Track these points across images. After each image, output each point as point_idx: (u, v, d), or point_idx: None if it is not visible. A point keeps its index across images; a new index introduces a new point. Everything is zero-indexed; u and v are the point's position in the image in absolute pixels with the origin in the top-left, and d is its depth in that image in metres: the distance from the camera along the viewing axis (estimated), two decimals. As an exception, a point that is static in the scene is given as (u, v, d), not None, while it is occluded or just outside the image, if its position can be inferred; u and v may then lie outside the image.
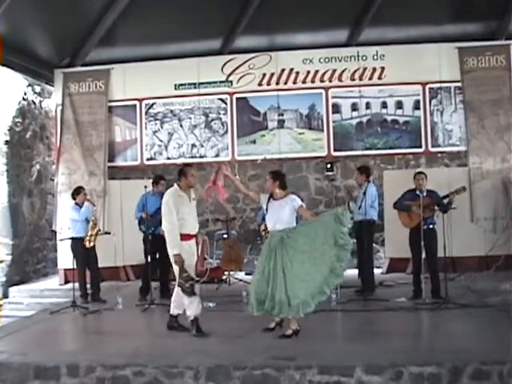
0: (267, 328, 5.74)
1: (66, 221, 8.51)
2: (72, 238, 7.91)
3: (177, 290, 5.94)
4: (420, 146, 9.88)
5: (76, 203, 8.02)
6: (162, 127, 10.41)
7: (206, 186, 6.24)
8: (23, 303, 8.93)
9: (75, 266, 7.69)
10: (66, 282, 9.41)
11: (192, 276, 5.73)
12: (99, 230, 8.14)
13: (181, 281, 5.72)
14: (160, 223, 6.17)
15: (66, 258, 8.96)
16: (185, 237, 5.85)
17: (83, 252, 7.82)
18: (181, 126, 10.38)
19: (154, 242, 7.46)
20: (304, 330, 5.72)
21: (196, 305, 5.85)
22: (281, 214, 5.69)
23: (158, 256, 7.69)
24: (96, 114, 10.24)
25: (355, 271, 7.91)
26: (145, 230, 7.76)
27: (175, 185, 6.02)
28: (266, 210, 5.80)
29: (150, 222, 7.58)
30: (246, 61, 10.15)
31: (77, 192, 8.09)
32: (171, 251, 5.80)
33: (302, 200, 5.96)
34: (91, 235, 7.80)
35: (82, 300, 7.77)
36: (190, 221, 5.91)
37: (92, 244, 7.83)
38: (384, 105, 9.94)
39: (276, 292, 5.46)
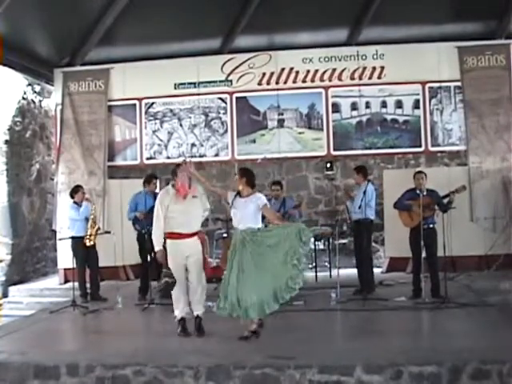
0: (242, 336, 5.53)
1: (66, 220, 8.49)
2: (72, 238, 7.90)
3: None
4: (420, 146, 9.87)
5: (74, 202, 8.01)
6: (161, 126, 10.40)
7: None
8: (23, 302, 8.92)
9: (75, 266, 7.69)
10: (66, 281, 9.40)
11: (168, 278, 5.78)
12: (99, 228, 8.14)
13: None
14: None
15: (65, 258, 8.96)
16: (173, 235, 5.81)
17: (83, 251, 7.81)
18: (180, 125, 10.37)
19: (151, 241, 7.41)
20: (304, 329, 5.72)
21: (182, 306, 5.83)
22: (245, 213, 5.57)
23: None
24: (96, 114, 10.23)
25: (354, 271, 7.90)
26: (140, 229, 7.73)
27: (169, 184, 6.01)
28: (232, 207, 5.67)
29: (145, 221, 7.51)
30: (246, 60, 10.15)
31: (75, 191, 8.08)
32: (155, 248, 5.94)
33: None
34: (91, 234, 7.79)
35: (81, 299, 7.77)
36: (181, 219, 5.77)
37: (92, 243, 7.82)
38: (384, 104, 9.93)
39: (232, 293, 5.39)
